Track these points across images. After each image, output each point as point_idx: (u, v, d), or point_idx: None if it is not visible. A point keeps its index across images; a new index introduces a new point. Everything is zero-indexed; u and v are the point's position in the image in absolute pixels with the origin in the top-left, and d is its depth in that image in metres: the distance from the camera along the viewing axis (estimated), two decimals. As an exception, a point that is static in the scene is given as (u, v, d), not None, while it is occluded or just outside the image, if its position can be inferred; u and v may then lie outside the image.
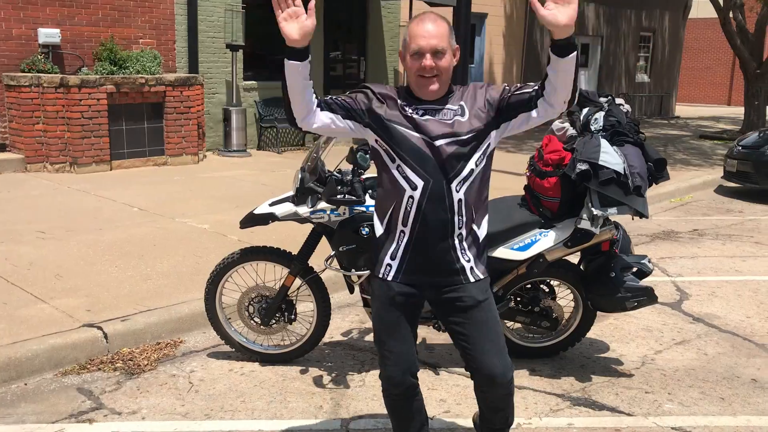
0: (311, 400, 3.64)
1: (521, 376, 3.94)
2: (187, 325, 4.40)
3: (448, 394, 3.74)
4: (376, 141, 2.55)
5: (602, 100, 3.85)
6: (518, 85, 2.58)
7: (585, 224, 3.64)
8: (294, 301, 3.98)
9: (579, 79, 2.44)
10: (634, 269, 3.89)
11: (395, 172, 2.51)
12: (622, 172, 3.55)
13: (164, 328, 4.33)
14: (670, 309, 5.07)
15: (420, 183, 2.48)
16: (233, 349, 4.08)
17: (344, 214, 3.65)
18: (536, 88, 2.49)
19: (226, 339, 4.06)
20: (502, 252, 3.77)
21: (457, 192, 2.50)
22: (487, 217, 2.66)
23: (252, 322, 4.01)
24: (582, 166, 3.55)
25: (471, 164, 2.51)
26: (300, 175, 3.72)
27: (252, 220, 3.85)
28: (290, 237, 5.31)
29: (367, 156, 3.63)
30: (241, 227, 3.90)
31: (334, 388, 3.79)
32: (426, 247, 2.54)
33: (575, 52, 2.32)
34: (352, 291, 3.94)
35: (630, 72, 20.61)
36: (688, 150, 13.84)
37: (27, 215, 6.63)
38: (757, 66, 15.94)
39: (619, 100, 3.89)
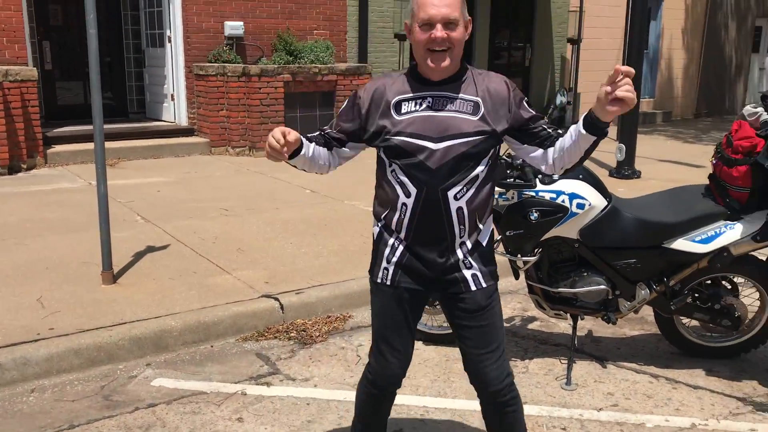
0: (474, 382, 3.67)
1: (697, 376, 3.73)
2: (355, 301, 4.58)
3: (616, 387, 3.61)
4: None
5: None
6: (541, 118, 2.37)
7: (778, 217, 3.36)
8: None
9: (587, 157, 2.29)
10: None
11: (389, 177, 2.33)
12: (825, 162, 3.23)
13: (334, 302, 4.54)
14: None
15: (413, 191, 2.29)
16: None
17: (513, 198, 3.63)
18: (558, 133, 2.32)
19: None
20: (681, 244, 3.57)
21: (456, 200, 2.28)
22: (491, 217, 2.45)
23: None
24: (778, 154, 3.27)
25: (478, 169, 2.29)
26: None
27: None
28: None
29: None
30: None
31: (497, 372, 3.79)
32: (422, 259, 2.37)
33: (602, 138, 2.22)
34: (517, 277, 3.92)
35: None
36: None
37: (212, 194, 7.20)
38: None
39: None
